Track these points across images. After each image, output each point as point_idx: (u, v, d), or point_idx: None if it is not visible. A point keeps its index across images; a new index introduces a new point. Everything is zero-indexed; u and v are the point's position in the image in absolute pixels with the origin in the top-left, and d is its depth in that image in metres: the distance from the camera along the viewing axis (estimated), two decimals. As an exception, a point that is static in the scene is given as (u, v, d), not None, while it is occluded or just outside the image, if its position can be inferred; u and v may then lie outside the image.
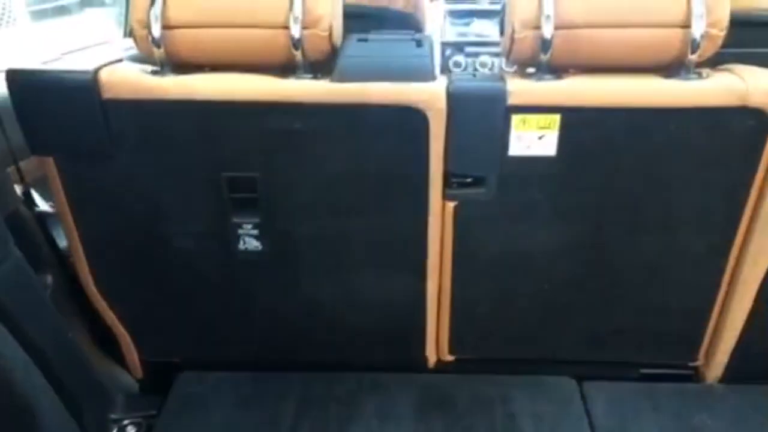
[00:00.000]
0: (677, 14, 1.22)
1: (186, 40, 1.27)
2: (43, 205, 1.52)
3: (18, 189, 1.50)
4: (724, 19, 1.23)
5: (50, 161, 1.35)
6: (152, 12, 1.24)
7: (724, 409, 1.55)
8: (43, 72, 1.29)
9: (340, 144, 1.32)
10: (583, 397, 1.59)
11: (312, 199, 1.38)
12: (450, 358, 1.65)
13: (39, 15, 4.95)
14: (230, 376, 1.64)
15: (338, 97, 1.27)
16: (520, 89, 1.28)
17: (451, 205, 1.39)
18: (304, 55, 1.27)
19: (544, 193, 1.36)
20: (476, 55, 2.77)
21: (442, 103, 1.27)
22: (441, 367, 1.67)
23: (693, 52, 1.23)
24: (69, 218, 1.42)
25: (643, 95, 1.27)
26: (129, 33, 2.30)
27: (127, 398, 1.60)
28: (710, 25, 1.22)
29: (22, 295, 1.28)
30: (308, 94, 1.27)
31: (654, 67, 1.30)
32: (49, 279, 1.49)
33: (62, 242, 1.64)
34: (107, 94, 1.28)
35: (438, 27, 3.05)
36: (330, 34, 1.28)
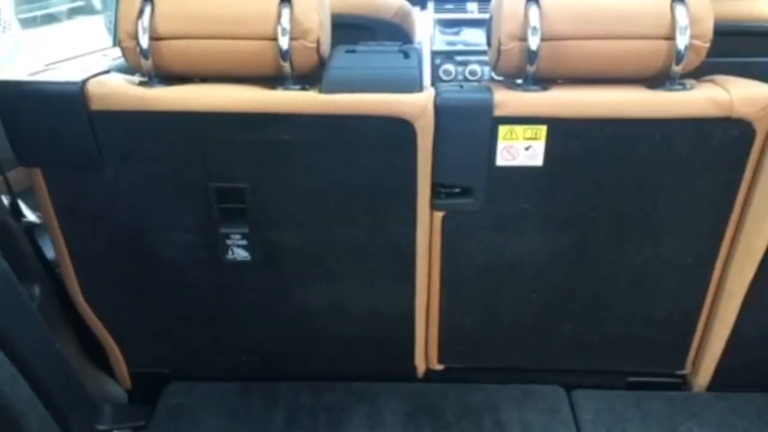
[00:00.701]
0: (662, 26, 1.24)
1: (174, 52, 1.27)
2: (30, 216, 1.52)
3: (5, 199, 1.49)
4: (709, 31, 1.25)
5: (37, 172, 1.35)
6: (140, 23, 1.24)
7: (710, 417, 1.55)
8: (30, 83, 1.28)
9: (328, 155, 1.32)
10: (571, 406, 1.60)
11: (300, 209, 1.38)
12: (439, 367, 1.66)
13: (28, 23, 4.93)
14: (219, 386, 1.64)
15: (326, 108, 1.27)
16: (506, 100, 1.28)
17: (439, 215, 1.39)
18: (292, 66, 1.28)
19: (532, 204, 1.37)
20: (466, 63, 2.79)
21: (429, 114, 1.28)
22: (430, 375, 1.67)
23: (677, 64, 1.25)
24: (57, 229, 1.42)
25: (629, 106, 1.28)
26: (118, 42, 2.31)
27: (116, 409, 1.59)
28: (695, 36, 1.23)
29: (8, 306, 1.28)
30: (296, 105, 1.27)
31: (639, 78, 1.32)
32: (37, 290, 1.48)
33: (50, 253, 1.64)
34: (95, 106, 1.27)
35: (428, 36, 3.06)
36: (318, 46, 1.28)
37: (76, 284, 1.50)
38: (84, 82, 1.27)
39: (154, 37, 1.26)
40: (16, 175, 1.59)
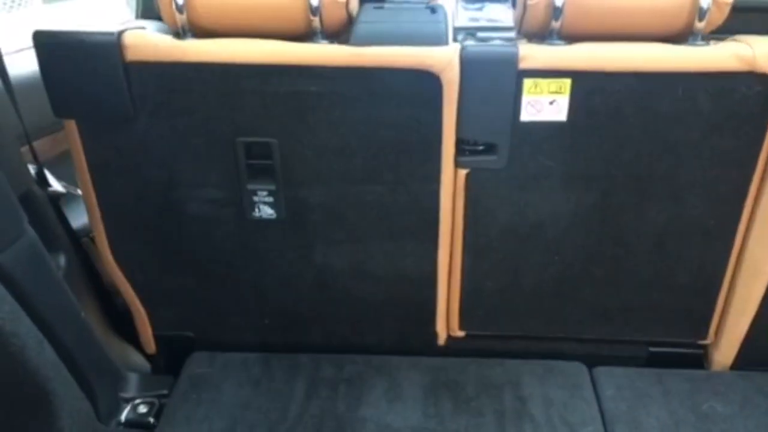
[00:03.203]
0: None
1: (207, 6, 1.31)
2: (56, 185, 1.53)
3: (31, 168, 1.50)
4: None
5: (72, 125, 1.38)
6: None
7: (733, 395, 1.54)
8: (69, 33, 1.31)
9: (355, 108, 1.34)
10: (593, 382, 1.59)
11: (325, 165, 1.40)
12: (460, 334, 1.65)
13: (51, -2, 4.96)
14: (241, 356, 1.65)
15: (354, 60, 1.29)
16: (531, 53, 1.30)
17: (462, 173, 1.41)
18: (321, 21, 1.30)
19: (555, 161, 1.38)
20: (488, 40, 2.75)
21: (455, 67, 1.29)
22: (451, 343, 1.67)
23: (701, 20, 1.26)
24: (88, 184, 1.45)
25: (652, 59, 1.28)
26: (141, 14, 2.32)
27: (139, 378, 1.61)
28: None
29: (35, 273, 1.29)
30: (325, 57, 1.30)
31: (663, 37, 1.31)
32: (63, 259, 1.50)
33: (75, 222, 1.66)
34: (130, 56, 1.31)
35: (450, 12, 3.03)
36: (347, 2, 1.31)
37: (106, 242, 1.52)
38: (120, 33, 1.31)
39: None
40: (42, 144, 1.60)
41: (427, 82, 1.30)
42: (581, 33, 1.32)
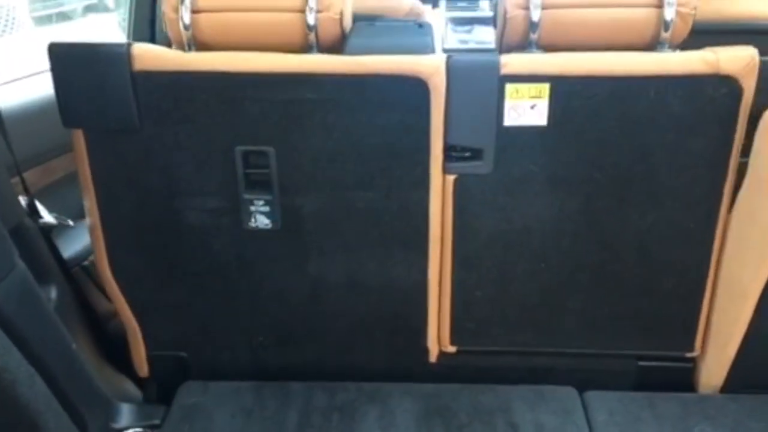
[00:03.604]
0: None
1: (211, 23, 1.40)
2: (47, 217, 1.53)
3: (22, 200, 1.51)
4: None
5: (79, 135, 1.43)
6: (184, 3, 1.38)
7: (724, 419, 1.55)
8: (82, 44, 1.40)
9: (348, 114, 1.41)
10: (584, 407, 1.59)
11: (320, 171, 1.46)
12: (452, 349, 1.66)
13: (43, 20, 4.96)
14: (233, 385, 1.65)
15: (347, 68, 1.38)
16: (512, 60, 1.39)
17: (451, 178, 1.46)
18: (317, 37, 1.39)
19: (538, 165, 1.44)
20: (475, 56, 2.79)
21: (442, 73, 1.37)
22: (443, 360, 1.67)
23: (666, 30, 1.36)
24: (91, 193, 1.48)
25: (624, 64, 1.37)
26: (132, 37, 2.34)
27: (131, 408, 1.61)
28: (680, 5, 1.35)
29: (26, 307, 1.29)
30: (321, 66, 1.38)
31: (633, 48, 1.40)
32: (54, 291, 1.50)
33: (66, 252, 1.66)
34: (138, 66, 1.37)
35: (440, 34, 3.06)
36: (341, 19, 1.40)
37: (105, 254, 1.54)
38: (129, 44, 1.39)
39: (195, 11, 1.38)
40: (32, 175, 1.61)
41: (415, 87, 1.37)
42: (557, 45, 1.40)
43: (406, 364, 1.68)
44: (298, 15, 1.38)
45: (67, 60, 1.38)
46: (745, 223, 1.47)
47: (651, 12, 1.36)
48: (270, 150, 1.43)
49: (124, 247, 1.54)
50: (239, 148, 1.43)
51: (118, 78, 1.37)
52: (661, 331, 1.61)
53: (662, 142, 1.41)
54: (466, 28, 3.08)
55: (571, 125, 1.40)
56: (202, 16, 1.39)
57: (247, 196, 1.46)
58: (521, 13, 1.37)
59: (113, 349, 1.70)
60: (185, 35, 1.39)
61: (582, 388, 1.65)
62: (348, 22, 1.45)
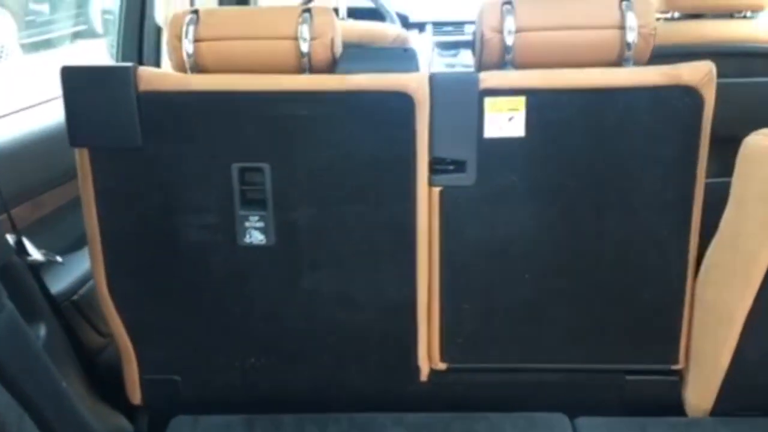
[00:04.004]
0: (614, 19, 1.48)
1: (211, 50, 1.51)
2: (35, 254, 1.53)
3: (10, 238, 1.51)
4: (653, 20, 1.49)
5: (84, 154, 1.49)
6: (188, 29, 1.49)
7: (716, 442, 1.56)
8: (90, 67, 1.52)
9: (340, 129, 1.49)
10: None
11: (312, 185, 1.52)
12: (442, 366, 1.67)
13: (32, 47, 4.96)
14: (223, 420, 1.65)
15: (339, 86, 1.47)
16: (490, 76, 1.48)
17: (436, 190, 1.53)
18: (310, 62, 1.50)
19: (518, 175, 1.51)
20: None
21: (425, 89, 1.46)
22: (434, 378, 1.68)
23: (629, 50, 1.48)
24: (92, 211, 1.53)
25: (593, 77, 1.48)
26: (120, 61, 2.35)
27: (123, 444, 1.61)
28: (642, 26, 1.47)
29: (15, 347, 1.29)
30: (314, 84, 1.48)
31: (601, 65, 1.51)
32: (43, 329, 1.50)
33: (55, 288, 1.66)
34: (143, 87, 1.45)
35: (426, 58, 3.10)
36: (332, 45, 1.50)
37: (103, 274, 1.57)
38: (135, 66, 1.47)
39: (197, 39, 1.49)
40: (20, 212, 1.61)
41: (401, 102, 1.46)
42: (530, 64, 1.50)
43: (397, 384, 1.69)
44: (292, 42, 1.49)
45: (77, 81, 1.46)
46: (728, 248, 1.49)
47: (615, 33, 1.48)
48: (265, 166, 1.49)
49: (121, 265, 1.58)
50: (236, 165, 1.49)
51: (124, 98, 1.45)
52: (645, 342, 1.63)
53: (633, 151, 1.49)
54: (452, 52, 3.13)
55: (547, 136, 1.49)
56: (203, 44, 1.50)
57: (242, 213, 1.52)
58: (496, 36, 1.49)
59: (104, 383, 1.70)
60: (187, 62, 1.50)
61: (571, 408, 1.65)
62: (338, 49, 1.54)
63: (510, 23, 1.47)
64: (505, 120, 1.47)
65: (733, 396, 1.60)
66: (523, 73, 1.48)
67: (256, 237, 1.53)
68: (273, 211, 1.51)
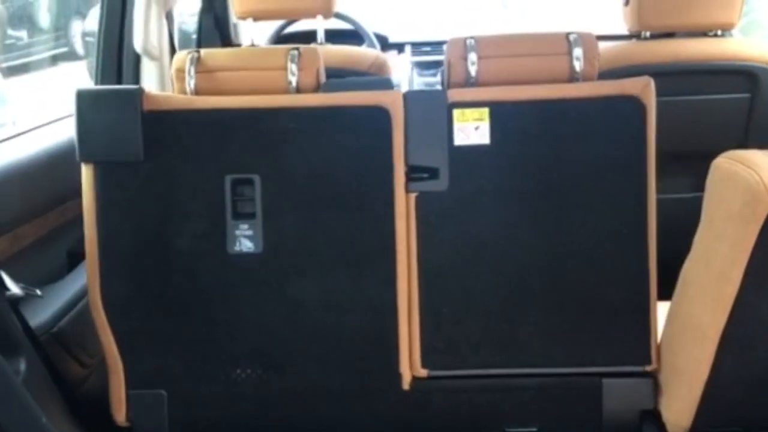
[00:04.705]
0: (562, 46, 1.68)
1: (210, 78, 1.70)
2: (14, 288, 1.53)
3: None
4: (595, 48, 1.68)
5: (90, 167, 1.63)
6: (191, 65, 1.69)
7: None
8: (102, 89, 1.82)
9: (324, 140, 1.64)
10: None
11: (299, 193, 1.65)
12: (423, 373, 1.70)
13: (12, 71, 4.93)
14: None
15: (324, 102, 1.66)
16: (457, 91, 1.67)
17: (412, 196, 1.66)
18: (298, 90, 1.69)
19: (486, 180, 1.65)
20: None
21: (400, 103, 1.64)
22: (416, 385, 1.70)
23: (577, 72, 1.67)
24: (93, 222, 1.63)
25: (547, 90, 1.66)
26: (100, 83, 2.36)
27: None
28: (585, 52, 1.66)
29: (-7, 385, 1.29)
30: (302, 101, 1.67)
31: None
32: (22, 364, 1.49)
33: (35, 321, 1.65)
34: (148, 106, 1.62)
35: (406, 78, 3.13)
36: (317, 75, 1.71)
37: (97, 284, 1.64)
38: (141, 88, 1.67)
39: (198, 71, 1.69)
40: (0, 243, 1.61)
41: (378, 116, 1.62)
42: (491, 83, 1.68)
43: (380, 393, 1.71)
44: (281, 72, 1.68)
45: (88, 102, 1.61)
46: (702, 266, 1.51)
47: (563, 59, 1.67)
48: (256, 177, 1.62)
49: (115, 273, 1.65)
50: (228, 177, 1.62)
51: (130, 116, 1.60)
52: (616, 343, 1.68)
53: (588, 155, 1.64)
54: (431, 71, 3.15)
55: (510, 143, 1.64)
56: (203, 74, 1.69)
57: (233, 222, 1.63)
58: (461, 61, 1.67)
59: (86, 415, 1.69)
60: (189, 90, 1.69)
61: (550, 418, 1.68)
62: (322, 78, 1.73)
63: (473, 56, 1.66)
64: (472, 129, 1.63)
65: (712, 413, 1.61)
66: (486, 89, 1.66)
67: (245, 245, 1.63)
68: (262, 219, 1.63)
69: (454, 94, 1.64)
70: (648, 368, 1.68)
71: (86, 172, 1.63)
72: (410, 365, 1.70)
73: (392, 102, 1.63)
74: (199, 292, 1.66)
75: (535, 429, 1.68)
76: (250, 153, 1.63)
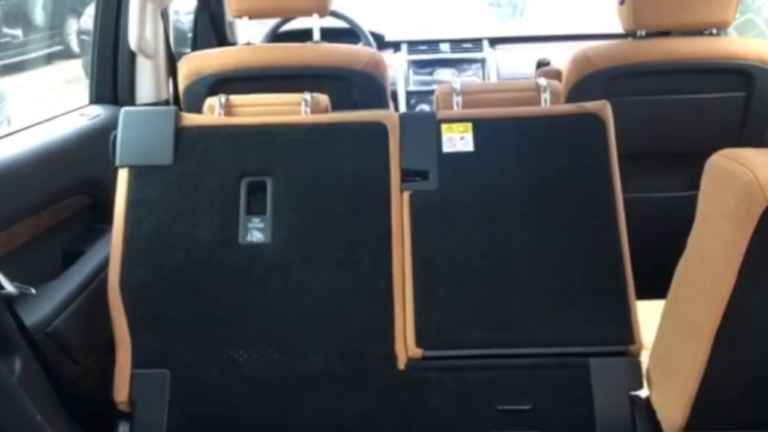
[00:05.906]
0: (531, 85, 2.02)
1: (235, 113, 1.99)
2: (8, 287, 1.53)
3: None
4: (559, 87, 2.03)
5: (125, 171, 1.85)
6: (221, 108, 1.97)
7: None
8: (145, 109, 2.12)
9: (330, 149, 1.89)
10: None
11: (306, 194, 1.86)
12: (418, 353, 1.76)
13: (7, 69, 4.92)
14: None
15: (331, 119, 1.95)
16: (445, 111, 2.01)
17: (406, 194, 1.88)
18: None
19: (471, 180, 1.88)
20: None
21: (396, 121, 1.93)
22: (411, 366, 1.76)
23: (546, 102, 1.98)
24: (122, 218, 1.82)
25: (520, 110, 1.94)
26: (95, 100, 2.36)
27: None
28: (551, 85, 1.99)
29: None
30: (311, 119, 1.95)
31: None
32: (18, 362, 1.49)
33: (30, 320, 1.65)
34: (183, 123, 1.89)
35: (402, 77, 3.13)
36: (326, 110, 2.01)
37: (118, 270, 1.79)
38: (178, 109, 1.97)
39: (226, 112, 1.98)
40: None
41: (378, 129, 1.90)
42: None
43: (377, 372, 1.76)
44: (296, 107, 1.97)
45: (133, 119, 1.89)
46: (697, 265, 1.52)
47: (533, 93, 2.00)
48: (268, 179, 1.85)
49: (136, 262, 1.81)
50: (245, 179, 1.85)
51: (167, 130, 1.86)
52: (598, 324, 1.77)
53: (559, 159, 1.88)
54: (428, 70, 3.17)
55: (491, 151, 1.89)
56: (230, 110, 1.98)
57: (247, 216, 1.84)
58: (448, 96, 2.03)
59: (82, 413, 1.69)
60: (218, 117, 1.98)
61: (543, 399, 1.72)
62: (328, 107, 2.03)
63: (458, 99, 2.02)
64: (458, 139, 1.89)
65: (707, 411, 1.62)
66: (469, 110, 1.98)
67: (256, 236, 1.83)
68: (272, 214, 1.84)
69: (442, 114, 1.96)
70: (631, 348, 1.75)
71: (122, 175, 1.84)
72: (405, 346, 1.77)
73: (389, 119, 1.92)
74: (209, 277, 1.81)
75: (528, 407, 1.70)
76: (263, 160, 1.87)
